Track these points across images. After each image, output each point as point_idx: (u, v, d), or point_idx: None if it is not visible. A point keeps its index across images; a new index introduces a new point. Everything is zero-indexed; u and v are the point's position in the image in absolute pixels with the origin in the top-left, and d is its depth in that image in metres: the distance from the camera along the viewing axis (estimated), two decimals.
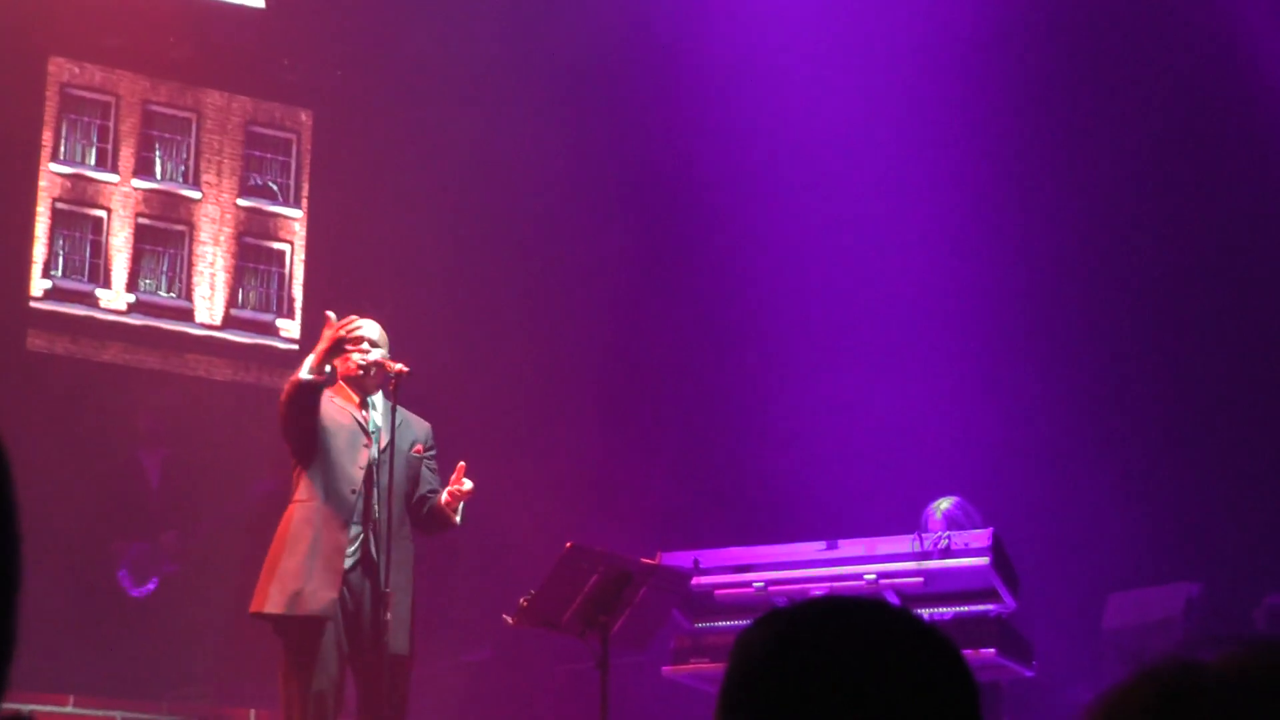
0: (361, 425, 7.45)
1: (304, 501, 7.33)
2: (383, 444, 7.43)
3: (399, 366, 7.45)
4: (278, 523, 7.42)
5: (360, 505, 7.34)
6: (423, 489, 7.54)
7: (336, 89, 11.86)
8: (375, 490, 7.35)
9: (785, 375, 11.60)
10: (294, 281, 11.78)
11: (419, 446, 7.56)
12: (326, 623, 7.16)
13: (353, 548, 7.31)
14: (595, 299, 11.90)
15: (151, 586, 10.66)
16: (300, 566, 7.19)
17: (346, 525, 7.28)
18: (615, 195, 12.00)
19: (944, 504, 8.44)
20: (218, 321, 11.55)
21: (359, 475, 7.33)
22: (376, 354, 7.55)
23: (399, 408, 7.54)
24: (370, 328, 7.61)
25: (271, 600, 7.20)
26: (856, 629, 1.53)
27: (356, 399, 7.53)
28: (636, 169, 11.96)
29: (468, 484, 7.36)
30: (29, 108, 11.01)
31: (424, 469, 7.59)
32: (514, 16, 11.71)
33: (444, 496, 7.42)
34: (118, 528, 10.70)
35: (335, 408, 7.45)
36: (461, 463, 7.45)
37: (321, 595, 7.17)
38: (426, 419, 7.75)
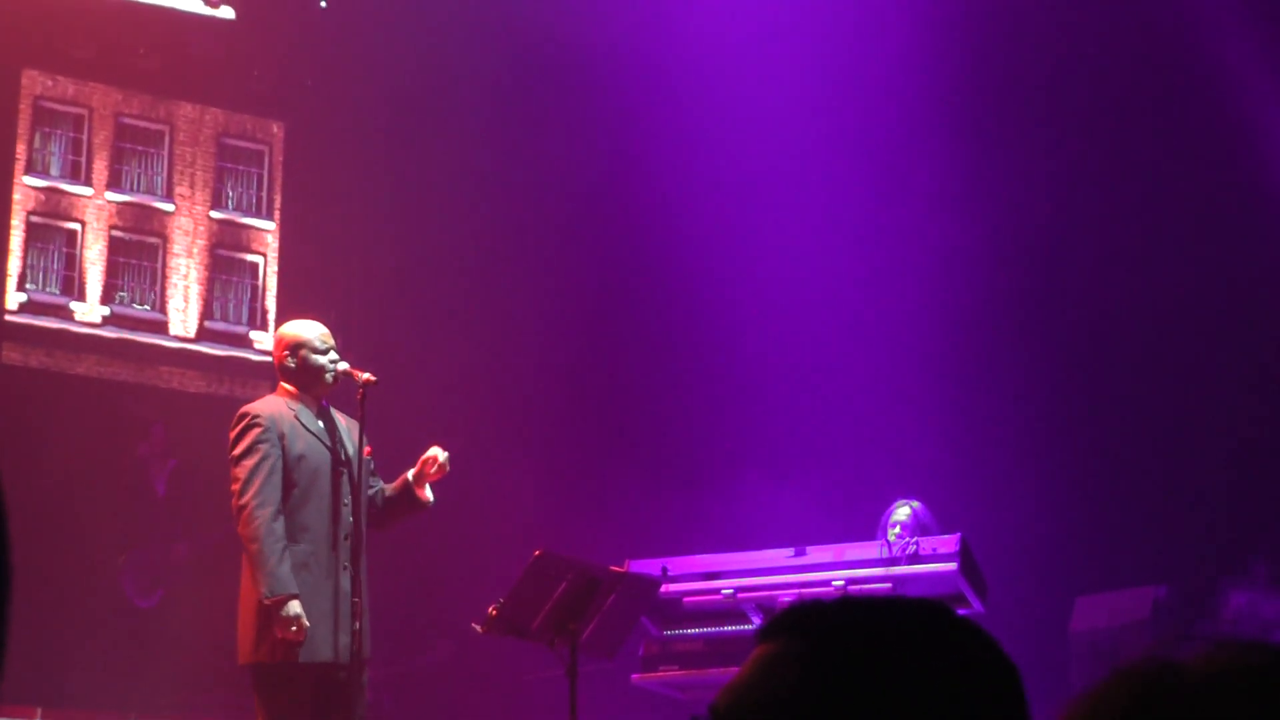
0: (335, 452, 7.20)
1: (292, 545, 7.01)
2: (358, 454, 7.28)
3: (366, 376, 7.21)
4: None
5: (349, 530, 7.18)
6: (372, 491, 7.36)
7: (307, 100, 11.88)
8: (354, 501, 7.23)
9: (752, 383, 11.63)
10: (267, 293, 11.79)
11: (368, 449, 7.31)
12: (335, 666, 6.97)
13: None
14: (565, 307, 11.93)
15: (158, 597, 10.66)
16: (312, 615, 6.91)
17: (346, 568, 7.06)
18: (585, 205, 12.04)
19: (903, 508, 8.47)
20: (192, 334, 11.55)
21: (349, 514, 7.13)
22: (344, 365, 7.41)
23: (334, 409, 7.31)
24: (328, 333, 7.45)
25: (284, 648, 6.91)
26: (912, 630, 1.52)
27: (316, 407, 7.28)
28: (605, 177, 11.99)
29: (443, 454, 7.18)
30: (2, 121, 11.02)
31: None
32: (481, 30, 11.74)
33: (410, 474, 7.24)
34: (118, 538, 10.67)
35: (303, 435, 7.18)
36: (435, 448, 7.30)
37: (335, 640, 6.96)
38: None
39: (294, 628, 6.82)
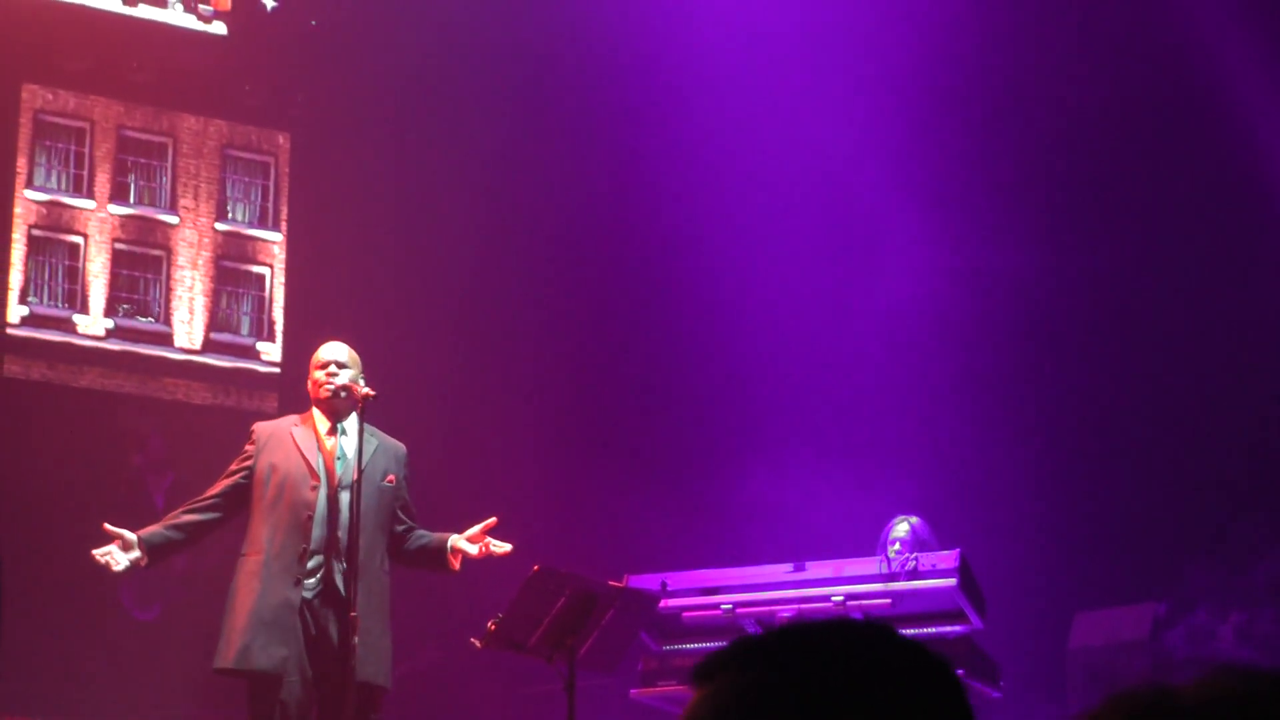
0: (310, 466, 7.20)
1: (251, 555, 7.15)
2: (354, 473, 7.22)
3: (365, 390, 7.23)
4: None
5: (323, 538, 7.14)
6: (398, 526, 7.35)
7: (313, 111, 11.88)
8: (339, 518, 7.20)
9: (752, 397, 11.61)
10: (274, 304, 11.79)
11: (391, 476, 7.32)
12: (280, 678, 7.00)
13: (314, 579, 7.11)
14: (567, 318, 11.92)
15: (157, 610, 10.64)
16: (248, 621, 7.02)
17: (298, 581, 7.07)
18: (590, 215, 12.03)
19: (902, 524, 8.44)
20: (197, 346, 11.55)
21: (308, 528, 7.12)
22: (345, 377, 7.37)
23: (374, 433, 7.32)
24: (339, 350, 7.47)
25: (222, 654, 7.08)
26: (840, 656, 1.49)
27: (327, 424, 7.30)
28: (604, 186, 11.98)
29: (505, 546, 7.29)
30: (2, 135, 11.03)
31: (396, 506, 7.37)
32: (486, 39, 11.74)
33: (460, 541, 7.28)
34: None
35: (286, 449, 7.23)
36: (493, 519, 7.38)
37: (272, 652, 7.00)
38: (399, 434, 7.58)
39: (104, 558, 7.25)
